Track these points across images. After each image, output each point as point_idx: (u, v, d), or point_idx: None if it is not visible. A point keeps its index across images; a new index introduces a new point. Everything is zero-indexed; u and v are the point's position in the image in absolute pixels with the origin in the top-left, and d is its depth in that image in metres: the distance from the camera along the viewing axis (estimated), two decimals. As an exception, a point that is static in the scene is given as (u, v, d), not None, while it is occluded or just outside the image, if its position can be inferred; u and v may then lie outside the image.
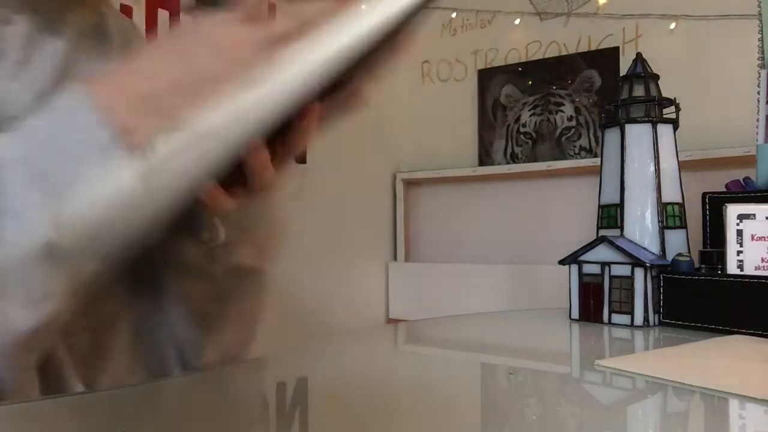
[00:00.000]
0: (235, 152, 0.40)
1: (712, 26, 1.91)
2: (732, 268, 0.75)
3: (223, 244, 0.64)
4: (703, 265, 0.85)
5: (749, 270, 0.74)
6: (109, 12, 0.71)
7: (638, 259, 0.89)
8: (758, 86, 1.04)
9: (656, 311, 0.88)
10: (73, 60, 0.65)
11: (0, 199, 0.40)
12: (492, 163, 2.33)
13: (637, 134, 0.99)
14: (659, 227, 0.96)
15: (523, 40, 2.28)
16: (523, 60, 2.29)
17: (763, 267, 0.73)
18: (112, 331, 0.64)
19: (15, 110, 0.58)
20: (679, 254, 0.90)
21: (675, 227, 0.98)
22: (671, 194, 0.99)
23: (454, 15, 2.42)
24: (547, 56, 2.24)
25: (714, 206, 0.94)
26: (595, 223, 1.06)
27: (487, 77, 2.37)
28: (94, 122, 0.40)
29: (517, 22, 2.29)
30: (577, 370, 0.70)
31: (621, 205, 0.99)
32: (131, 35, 0.74)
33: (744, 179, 1.06)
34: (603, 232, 1.01)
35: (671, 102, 1.03)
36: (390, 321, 2.23)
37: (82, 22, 0.67)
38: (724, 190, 1.05)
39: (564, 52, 2.20)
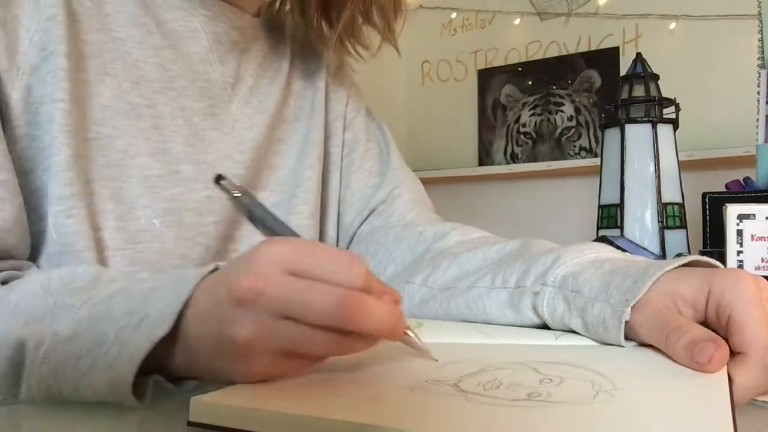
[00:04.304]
0: None
1: (712, 26, 1.91)
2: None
3: None
4: (703, 265, 0.85)
5: (749, 270, 0.74)
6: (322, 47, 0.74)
7: (638, 259, 0.89)
8: (758, 86, 1.04)
9: (656, 311, 0.88)
10: (289, 83, 0.69)
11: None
12: (492, 163, 2.33)
13: (637, 134, 0.99)
14: (659, 227, 0.96)
15: (523, 40, 2.28)
16: (523, 60, 2.29)
17: (763, 267, 0.73)
18: None
19: (252, 134, 0.63)
20: (679, 254, 0.90)
21: (675, 227, 0.98)
22: (671, 194, 0.99)
23: (454, 15, 2.42)
24: (547, 56, 2.24)
25: (714, 206, 0.94)
26: (595, 223, 1.06)
27: (487, 77, 2.37)
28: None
29: (517, 22, 2.29)
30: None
31: (621, 205, 0.99)
32: (343, 65, 0.77)
33: (744, 179, 1.06)
34: (603, 232, 1.01)
35: (671, 102, 1.03)
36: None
37: (296, 42, 0.71)
38: (724, 190, 1.05)
39: (564, 52, 2.20)
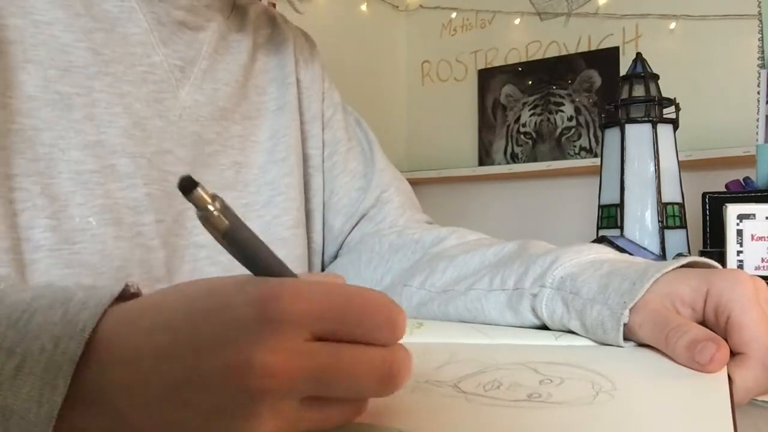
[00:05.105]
0: None
1: (712, 26, 1.91)
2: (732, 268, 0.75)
3: None
4: (703, 265, 0.85)
5: (749, 270, 0.74)
6: (283, 23, 0.71)
7: (638, 259, 0.89)
8: (758, 86, 1.04)
9: (656, 311, 0.88)
10: (249, 74, 0.65)
11: None
12: (492, 163, 2.33)
13: (637, 134, 0.99)
14: (659, 227, 0.96)
15: (523, 40, 2.28)
16: (523, 60, 2.29)
17: (763, 267, 0.73)
18: None
19: (195, 127, 0.58)
20: (679, 254, 0.90)
21: (675, 227, 0.98)
22: (671, 194, 0.99)
23: (454, 15, 2.42)
24: (547, 56, 2.24)
25: (714, 206, 0.94)
26: (595, 223, 1.06)
27: (487, 77, 2.37)
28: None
29: (517, 22, 2.29)
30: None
31: (621, 205, 0.99)
32: (307, 43, 0.73)
33: (744, 179, 1.06)
34: (603, 232, 1.01)
35: (671, 102, 1.03)
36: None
37: (260, 33, 0.68)
38: (724, 190, 1.05)
39: (564, 52, 2.20)
